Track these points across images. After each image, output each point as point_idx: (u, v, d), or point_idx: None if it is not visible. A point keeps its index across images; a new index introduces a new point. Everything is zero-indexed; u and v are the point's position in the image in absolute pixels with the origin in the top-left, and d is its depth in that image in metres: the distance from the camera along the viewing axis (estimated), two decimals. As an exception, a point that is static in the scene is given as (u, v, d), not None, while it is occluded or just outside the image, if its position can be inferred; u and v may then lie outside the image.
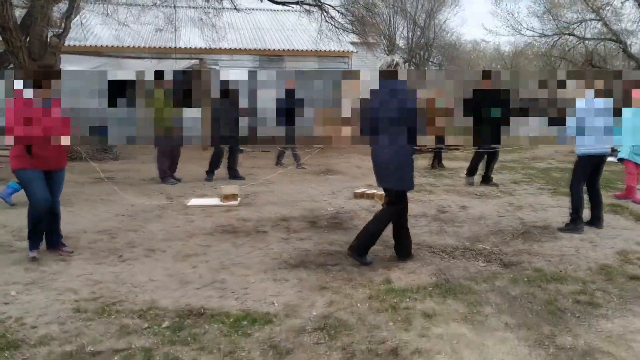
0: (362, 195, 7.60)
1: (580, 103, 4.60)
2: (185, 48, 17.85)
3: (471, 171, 8.84)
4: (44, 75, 4.10)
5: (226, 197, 7.16)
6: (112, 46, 17.01)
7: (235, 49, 18.30)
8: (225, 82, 5.68)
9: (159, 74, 7.21)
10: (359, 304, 3.77)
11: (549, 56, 26.05)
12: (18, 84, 4.00)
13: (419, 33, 30.07)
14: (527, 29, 27.27)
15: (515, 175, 10.29)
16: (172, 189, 8.55)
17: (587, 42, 25.61)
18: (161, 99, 7.49)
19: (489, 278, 4.24)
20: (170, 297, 4.01)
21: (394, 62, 4.54)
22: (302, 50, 19.01)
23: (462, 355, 3.04)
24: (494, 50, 40.49)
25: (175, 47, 17.50)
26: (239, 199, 7.29)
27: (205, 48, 17.66)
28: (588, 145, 5.38)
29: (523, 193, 8.01)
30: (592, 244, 5.19)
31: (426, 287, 4.06)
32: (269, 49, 18.51)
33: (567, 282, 4.13)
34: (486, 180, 8.77)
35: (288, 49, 18.91)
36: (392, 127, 3.90)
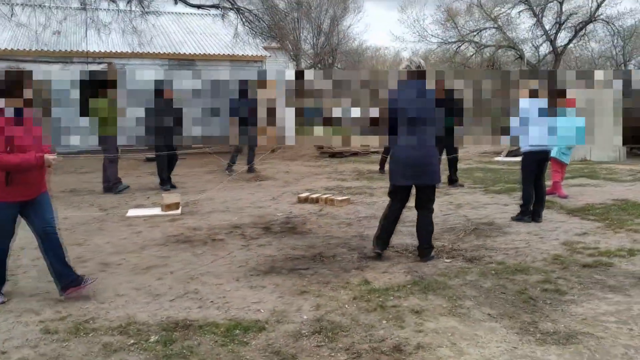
0: (306, 200, 7.63)
1: (524, 103, 4.93)
2: (92, 52, 16.99)
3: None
4: (15, 79, 3.74)
5: (168, 207, 6.91)
6: (9, 49, 15.80)
7: (146, 52, 17.62)
8: (159, 82, 5.64)
9: (102, 83, 6.92)
10: (346, 305, 3.80)
11: (452, 62, 27.46)
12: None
13: (323, 38, 30.69)
14: (432, 36, 28.64)
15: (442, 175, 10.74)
16: (107, 200, 8.13)
17: (486, 49, 27.32)
18: (105, 108, 7.18)
19: (459, 273, 4.43)
20: (145, 311, 3.83)
21: (422, 63, 4.66)
22: (214, 54, 18.67)
23: (460, 346, 3.16)
24: (394, 56, 42.13)
25: (82, 51, 16.69)
26: (180, 208, 7.06)
27: (114, 52, 16.94)
28: (531, 143, 5.78)
29: (457, 193, 8.41)
30: (538, 236, 5.56)
31: (405, 285, 4.17)
32: (180, 53, 18.00)
33: (530, 273, 4.40)
34: (452, 182, 9.08)
35: (200, 53, 18.50)
36: (428, 126, 4.03)
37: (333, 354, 3.11)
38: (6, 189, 3.82)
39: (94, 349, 3.25)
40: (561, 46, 25.34)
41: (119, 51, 17.19)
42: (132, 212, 6.99)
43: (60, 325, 3.62)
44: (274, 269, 4.67)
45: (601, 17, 24.16)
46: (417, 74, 4.34)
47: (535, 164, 6.12)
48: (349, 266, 4.72)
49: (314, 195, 7.68)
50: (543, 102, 5.41)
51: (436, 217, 6.53)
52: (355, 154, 16.02)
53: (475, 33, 28.06)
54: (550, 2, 24.21)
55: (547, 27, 24.99)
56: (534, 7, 24.79)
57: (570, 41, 25.28)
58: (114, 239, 5.77)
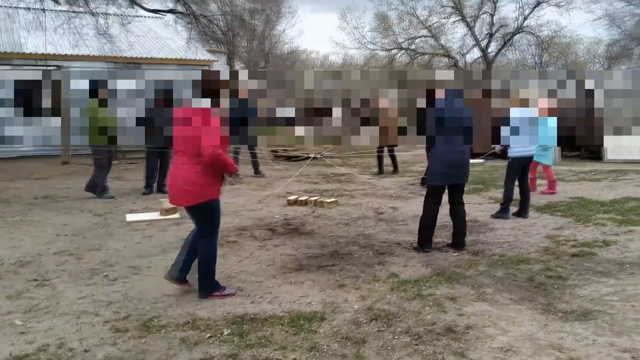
0: (295, 202, 8.00)
1: (514, 113, 5.62)
2: (30, 54, 16.47)
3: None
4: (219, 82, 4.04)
5: (167, 211, 7.09)
6: None
7: (87, 55, 17.22)
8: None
9: (93, 83, 7.06)
10: (387, 295, 4.25)
11: (390, 69, 28.52)
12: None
13: (257, 42, 30.99)
14: (371, 43, 29.62)
15: (408, 178, 11.42)
16: (94, 205, 8.14)
17: (422, 56, 28.61)
18: (96, 108, 7.30)
19: (471, 265, 4.99)
20: (202, 308, 4.10)
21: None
22: (161, 58, 18.58)
23: (502, 326, 3.69)
24: (324, 59, 43.05)
25: (20, 53, 16.17)
26: (177, 212, 7.25)
27: (53, 54, 16.49)
28: (519, 148, 6.50)
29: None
30: (522, 231, 6.24)
31: (430, 276, 4.68)
32: (125, 56, 17.72)
33: (531, 263, 5.03)
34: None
35: (146, 57, 18.34)
36: (468, 131, 4.58)
37: (396, 337, 3.55)
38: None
39: (174, 344, 3.51)
40: (491, 54, 26.99)
41: (62, 53, 16.77)
42: (131, 217, 7.11)
43: (126, 324, 3.83)
44: (303, 267, 5.05)
45: (527, 28, 25.98)
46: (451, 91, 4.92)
47: (521, 167, 6.84)
48: (370, 262, 5.17)
49: (303, 198, 8.07)
50: (532, 112, 6.15)
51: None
52: (308, 157, 16.48)
53: (411, 40, 29.29)
54: (482, 14, 25.76)
55: (479, 37, 26.55)
56: (467, 19, 26.28)
57: (500, 50, 26.99)
58: (129, 244, 5.92)
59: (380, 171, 12.07)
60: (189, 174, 4.00)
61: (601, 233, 6.05)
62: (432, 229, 5.49)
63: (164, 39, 19.61)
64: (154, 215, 7.12)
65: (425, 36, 29.02)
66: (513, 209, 7.07)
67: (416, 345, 3.42)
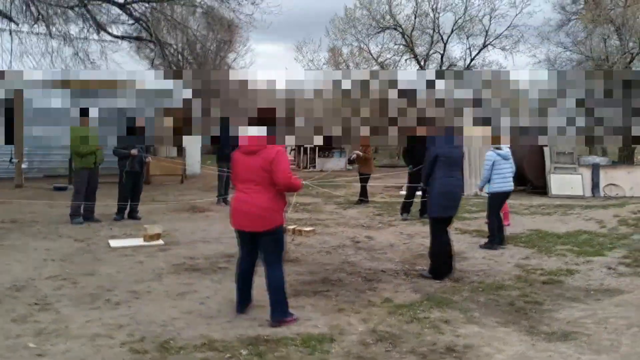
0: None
1: (490, 156, 6.30)
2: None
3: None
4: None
5: (150, 237, 7.19)
6: None
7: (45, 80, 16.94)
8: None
9: (84, 111, 7.22)
10: (387, 319, 4.59)
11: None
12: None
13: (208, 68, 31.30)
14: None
15: (373, 208, 11.85)
16: (70, 230, 8.12)
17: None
18: (87, 136, 7.43)
19: (455, 291, 5.41)
20: (214, 330, 4.30)
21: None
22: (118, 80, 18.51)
23: (495, 345, 4.09)
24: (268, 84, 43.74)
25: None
26: (160, 238, 7.36)
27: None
28: (499, 184, 7.07)
29: (400, 224, 9.51)
30: (493, 261, 6.74)
31: (421, 301, 5.05)
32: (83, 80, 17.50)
33: (508, 289, 5.50)
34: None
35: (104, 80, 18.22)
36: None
37: (404, 356, 3.88)
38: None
39: (197, 364, 3.71)
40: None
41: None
42: (114, 243, 7.16)
43: (143, 346, 3.99)
44: (300, 292, 5.31)
45: (473, 68, 27.49)
46: (451, 128, 5.42)
47: (503, 200, 7.39)
48: (361, 288, 5.50)
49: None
50: (506, 149, 6.77)
51: (400, 246, 7.57)
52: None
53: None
54: (433, 53, 27.08)
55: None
56: (418, 57, 27.56)
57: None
58: (122, 269, 6.01)
59: (365, 199, 12.45)
60: (263, 200, 4.28)
61: (564, 263, 6.62)
62: (445, 256, 5.88)
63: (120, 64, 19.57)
64: (138, 242, 7.20)
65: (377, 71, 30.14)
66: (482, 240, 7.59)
67: (423, 363, 3.75)
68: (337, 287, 5.50)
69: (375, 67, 29.85)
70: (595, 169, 15.19)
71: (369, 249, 7.38)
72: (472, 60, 26.94)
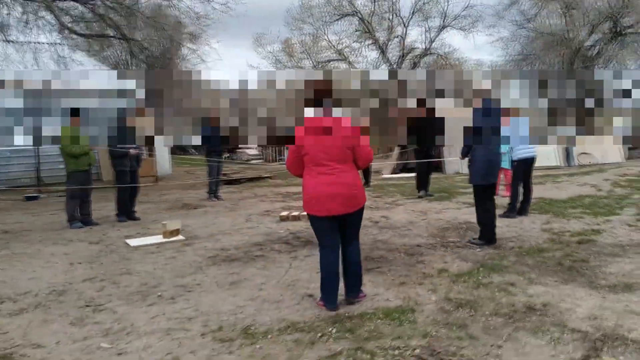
0: (287, 218, 8.17)
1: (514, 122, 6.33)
2: None
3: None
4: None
5: (170, 233, 6.99)
6: None
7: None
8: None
9: (74, 111, 6.99)
10: (454, 287, 4.62)
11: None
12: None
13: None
14: (286, 66, 30.27)
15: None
16: (78, 235, 7.79)
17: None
18: (79, 137, 7.17)
19: (501, 257, 5.50)
20: (289, 313, 4.22)
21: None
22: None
23: (570, 301, 4.19)
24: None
25: None
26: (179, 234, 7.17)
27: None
28: (522, 150, 7.19)
29: (407, 202, 9.59)
30: (518, 227, 6.90)
31: (476, 269, 5.11)
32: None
33: (550, 251, 5.63)
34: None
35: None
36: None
37: (490, 319, 3.91)
38: None
39: (291, 346, 3.63)
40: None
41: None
42: (134, 242, 6.92)
43: (226, 334, 3.87)
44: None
45: (435, 51, 27.93)
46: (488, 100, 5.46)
47: (526, 168, 7.53)
48: (409, 262, 5.51)
49: (295, 213, 8.26)
50: (525, 120, 6.87)
51: (420, 222, 7.63)
52: (251, 179, 16.62)
53: (326, 63, 30.36)
54: (394, 38, 27.34)
55: (391, 59, 28.14)
56: (380, 42, 27.78)
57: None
58: (157, 266, 5.81)
59: (367, 182, 12.60)
60: (352, 179, 4.09)
61: (585, 224, 6.84)
62: (493, 222, 6.04)
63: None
64: (157, 239, 6.98)
65: (337, 59, 30.22)
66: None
67: (513, 323, 3.80)
68: (385, 264, 5.49)
69: (335, 55, 29.96)
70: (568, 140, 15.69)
71: (391, 227, 7.40)
72: (431, 42, 27.37)
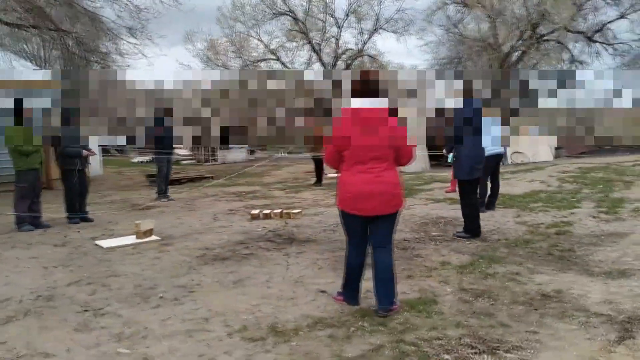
0: (258, 217, 8.02)
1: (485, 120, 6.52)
2: None
3: None
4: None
5: (144, 233, 6.66)
6: None
7: None
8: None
9: (18, 102, 6.65)
10: (464, 278, 4.71)
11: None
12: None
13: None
14: (217, 65, 29.69)
15: (321, 190, 11.91)
16: (35, 238, 7.24)
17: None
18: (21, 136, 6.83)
19: (494, 249, 5.68)
20: (311, 310, 4.13)
21: None
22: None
23: (578, 287, 4.39)
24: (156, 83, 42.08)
25: None
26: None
27: None
28: (489, 148, 7.41)
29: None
30: (493, 221, 7.14)
31: (475, 260, 5.25)
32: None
33: (534, 242, 5.89)
34: None
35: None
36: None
37: (512, 307, 4.03)
38: None
39: (328, 342, 3.57)
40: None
41: None
42: (105, 244, 6.52)
43: (254, 333, 3.74)
44: (354, 266, 5.24)
45: (368, 52, 28.45)
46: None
47: (494, 164, 7.77)
48: (405, 255, 5.56)
49: (266, 211, 8.12)
50: (497, 120, 7.11)
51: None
52: (193, 179, 16.23)
53: (259, 62, 30.09)
54: (329, 38, 27.57)
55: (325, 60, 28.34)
56: (313, 42, 27.90)
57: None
58: (143, 267, 5.51)
59: (319, 181, 12.59)
60: (394, 177, 3.89)
61: (553, 217, 7.20)
62: (477, 216, 6.19)
63: None
64: (131, 239, 6.63)
65: (269, 59, 30.05)
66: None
67: (536, 310, 3.94)
68: (382, 258, 5.49)
69: (268, 55, 29.78)
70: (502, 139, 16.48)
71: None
72: (364, 44, 27.84)
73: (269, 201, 10.30)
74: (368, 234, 4.05)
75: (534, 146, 16.95)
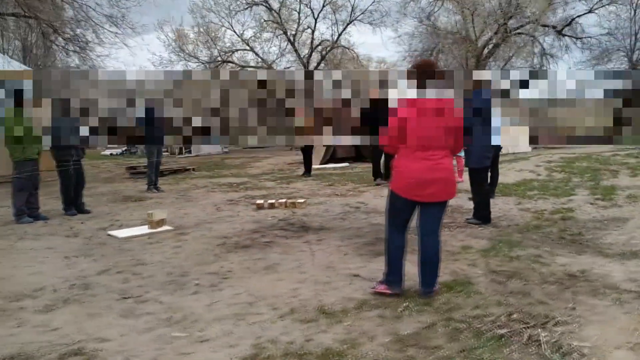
0: (263, 206, 8.09)
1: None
2: None
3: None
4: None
5: (157, 223, 6.67)
6: None
7: None
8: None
9: (18, 93, 6.67)
10: (490, 261, 4.91)
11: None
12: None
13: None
14: (192, 57, 29.42)
15: (313, 181, 12.02)
16: (43, 229, 7.15)
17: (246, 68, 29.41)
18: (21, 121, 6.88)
19: (508, 234, 5.90)
20: (348, 293, 4.25)
21: None
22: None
23: (599, 268, 4.63)
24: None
25: None
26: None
27: None
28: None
29: (370, 189, 9.84)
30: (497, 208, 7.38)
31: (495, 245, 5.45)
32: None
33: (543, 227, 6.14)
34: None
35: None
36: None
37: (544, 286, 4.23)
38: None
39: (377, 321, 3.70)
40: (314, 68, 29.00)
41: None
42: (120, 234, 6.50)
43: (304, 316, 3.83)
44: (380, 251, 5.36)
45: (342, 44, 28.59)
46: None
47: (495, 153, 7.99)
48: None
49: (271, 201, 8.19)
50: (497, 111, 7.32)
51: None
52: (175, 171, 16.13)
53: (231, 53, 29.90)
54: (304, 30, 27.58)
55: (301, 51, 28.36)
56: (288, 34, 27.88)
57: (318, 64, 29.16)
58: (168, 255, 5.53)
59: (308, 171, 12.65)
60: (451, 165, 4.01)
61: (553, 204, 7.50)
62: (488, 203, 6.43)
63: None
64: (144, 229, 6.62)
65: (243, 49, 29.91)
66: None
67: (568, 288, 4.16)
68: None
69: (241, 45, 29.63)
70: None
71: (375, 211, 7.59)
72: (339, 36, 27.95)
73: (265, 192, 10.36)
74: (416, 220, 4.17)
75: (515, 138, 17.35)
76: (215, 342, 3.47)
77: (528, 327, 3.42)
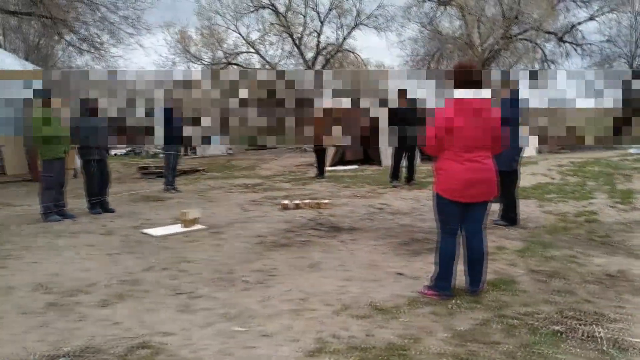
0: (287, 207, 8.22)
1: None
2: None
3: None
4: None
5: (190, 222, 6.79)
6: None
7: None
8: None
9: (46, 93, 6.87)
10: (528, 261, 5.06)
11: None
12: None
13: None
14: (197, 59, 29.52)
15: (328, 182, 12.15)
16: (75, 227, 7.25)
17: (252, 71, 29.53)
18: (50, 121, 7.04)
19: (538, 235, 6.05)
20: (396, 290, 4.38)
21: None
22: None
23: (636, 268, 4.79)
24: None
25: None
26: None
27: None
28: None
29: (390, 191, 9.99)
30: (520, 211, 7.52)
31: (529, 245, 5.60)
32: None
33: (571, 230, 6.30)
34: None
35: None
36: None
37: (583, 285, 4.38)
38: None
39: (431, 317, 3.84)
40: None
41: None
42: (155, 232, 6.62)
43: (357, 312, 3.95)
44: (417, 252, 5.53)
45: (347, 48, 28.79)
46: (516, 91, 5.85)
47: None
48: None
49: (295, 201, 8.33)
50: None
51: (421, 209, 8.04)
52: (186, 172, 16.22)
53: (233, 55, 30.03)
54: (310, 34, 27.76)
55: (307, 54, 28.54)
56: (294, 37, 28.04)
57: (323, 67, 29.31)
58: (210, 253, 5.65)
59: (321, 173, 12.78)
60: (493, 165, 4.08)
61: (574, 207, 7.66)
62: (515, 204, 6.56)
63: None
64: (178, 228, 6.75)
65: (248, 52, 30.05)
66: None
67: (609, 288, 4.31)
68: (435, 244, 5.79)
69: (246, 48, 29.77)
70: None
71: (401, 213, 7.74)
72: (344, 39, 28.17)
73: (285, 192, 10.48)
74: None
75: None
76: (277, 336, 3.58)
77: (581, 324, 3.56)
